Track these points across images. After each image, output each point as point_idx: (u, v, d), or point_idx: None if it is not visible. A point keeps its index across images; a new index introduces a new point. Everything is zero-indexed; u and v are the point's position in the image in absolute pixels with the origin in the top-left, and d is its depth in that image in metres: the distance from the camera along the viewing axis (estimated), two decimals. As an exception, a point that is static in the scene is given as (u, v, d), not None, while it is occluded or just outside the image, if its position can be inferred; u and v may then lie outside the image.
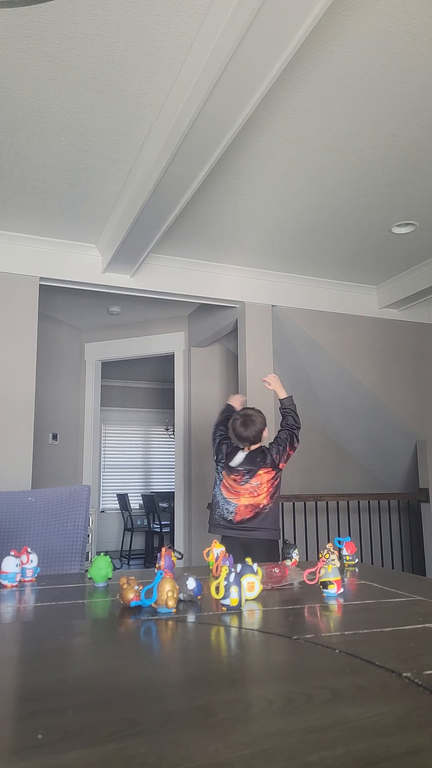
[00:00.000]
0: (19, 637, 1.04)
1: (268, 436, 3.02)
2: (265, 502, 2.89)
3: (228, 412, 3.18)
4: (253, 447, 2.95)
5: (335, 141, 2.78)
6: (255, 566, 1.30)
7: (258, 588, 1.27)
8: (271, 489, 2.91)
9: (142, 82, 2.36)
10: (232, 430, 2.97)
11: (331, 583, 1.29)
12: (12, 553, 1.47)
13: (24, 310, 3.80)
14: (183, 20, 2.03)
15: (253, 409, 3.00)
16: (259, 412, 2.98)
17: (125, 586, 1.18)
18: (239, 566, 1.26)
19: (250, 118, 2.44)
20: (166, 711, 0.67)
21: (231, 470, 2.95)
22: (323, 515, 5.07)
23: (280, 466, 2.94)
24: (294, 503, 4.86)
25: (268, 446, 2.98)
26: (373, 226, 3.71)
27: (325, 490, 5.10)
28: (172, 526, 6.58)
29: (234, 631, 1.03)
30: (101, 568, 1.41)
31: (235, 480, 2.92)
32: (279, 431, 3.01)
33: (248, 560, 1.32)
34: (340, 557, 1.71)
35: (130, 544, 7.73)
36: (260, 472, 2.91)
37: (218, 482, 3.02)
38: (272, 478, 2.92)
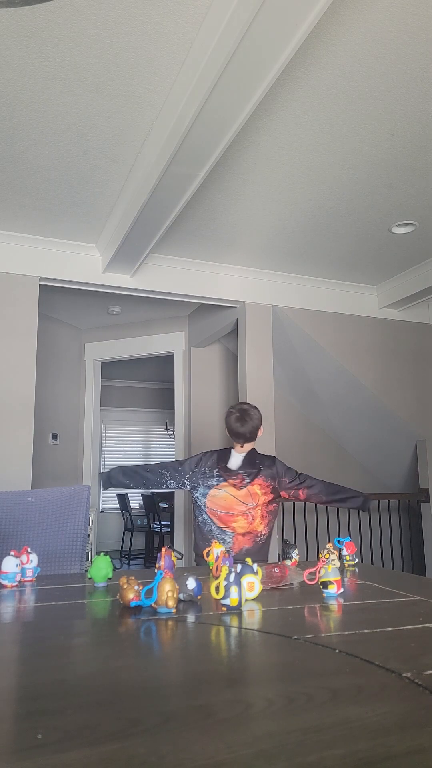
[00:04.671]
0: (19, 637, 1.03)
1: (262, 435, 2.77)
2: (261, 528, 2.58)
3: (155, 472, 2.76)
4: (247, 446, 2.65)
5: (335, 141, 2.78)
6: (255, 566, 1.30)
7: (258, 588, 1.27)
8: (267, 516, 2.60)
9: (142, 82, 2.36)
10: (226, 426, 2.68)
11: (331, 583, 1.29)
12: (12, 553, 1.47)
13: (24, 310, 3.80)
14: (183, 20, 2.03)
15: (248, 404, 2.74)
16: (255, 407, 2.71)
17: (125, 586, 1.18)
18: (239, 566, 1.26)
19: (250, 118, 2.44)
20: (166, 711, 0.67)
21: (229, 474, 2.60)
22: (323, 515, 5.07)
23: (282, 494, 2.63)
24: (294, 503, 4.86)
25: (282, 464, 2.68)
26: (373, 226, 3.70)
27: (325, 490, 5.09)
28: (172, 526, 6.58)
29: (234, 631, 1.03)
30: (101, 568, 1.42)
31: (234, 485, 2.57)
32: (302, 474, 2.72)
33: (248, 560, 1.32)
34: (340, 557, 1.71)
35: (130, 544, 7.73)
36: (259, 480, 2.58)
37: (203, 509, 2.62)
38: (269, 502, 2.60)
